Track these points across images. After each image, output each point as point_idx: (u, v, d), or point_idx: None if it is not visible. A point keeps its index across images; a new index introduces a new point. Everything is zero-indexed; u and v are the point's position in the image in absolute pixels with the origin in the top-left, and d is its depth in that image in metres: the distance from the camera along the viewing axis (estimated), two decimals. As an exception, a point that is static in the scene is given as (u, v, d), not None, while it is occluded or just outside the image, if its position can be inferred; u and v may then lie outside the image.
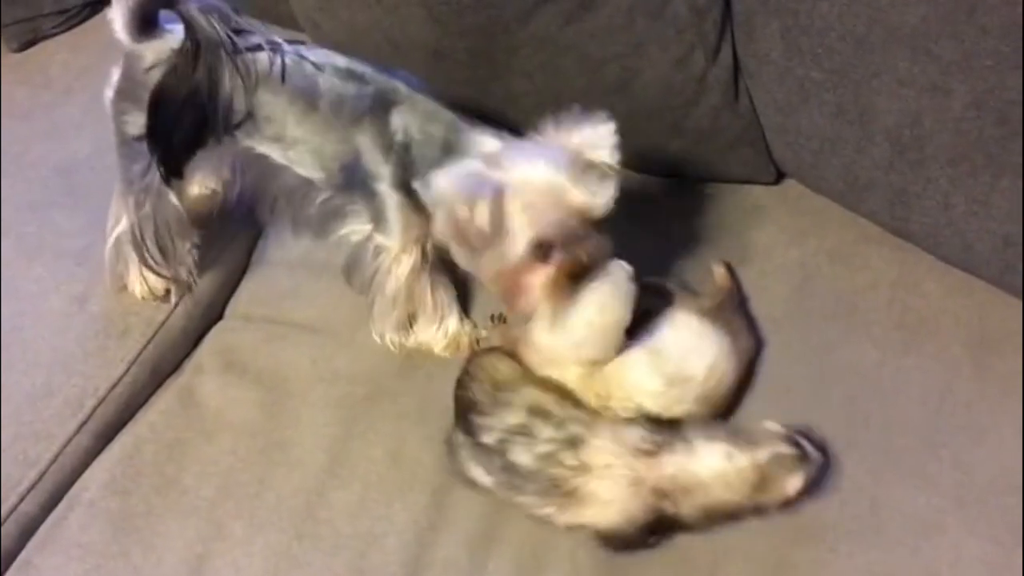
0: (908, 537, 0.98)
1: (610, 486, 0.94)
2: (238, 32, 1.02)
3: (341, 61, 1.06)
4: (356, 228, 1.09)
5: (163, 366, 1.16)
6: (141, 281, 1.17)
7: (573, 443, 0.95)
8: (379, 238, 1.08)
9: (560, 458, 0.95)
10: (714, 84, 1.16)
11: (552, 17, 1.14)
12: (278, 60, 1.03)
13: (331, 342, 1.15)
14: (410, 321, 1.12)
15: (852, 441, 1.03)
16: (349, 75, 1.05)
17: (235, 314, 1.23)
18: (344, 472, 1.03)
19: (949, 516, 0.98)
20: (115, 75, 1.08)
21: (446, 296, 1.13)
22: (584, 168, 0.96)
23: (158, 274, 1.16)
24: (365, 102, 1.04)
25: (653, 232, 1.20)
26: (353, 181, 1.06)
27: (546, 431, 0.96)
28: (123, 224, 1.14)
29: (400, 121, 1.03)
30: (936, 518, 0.98)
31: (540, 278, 0.97)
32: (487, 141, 1.02)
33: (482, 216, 0.93)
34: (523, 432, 0.96)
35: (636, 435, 0.96)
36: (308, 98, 1.04)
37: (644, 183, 1.25)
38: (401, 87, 1.05)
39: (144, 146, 1.05)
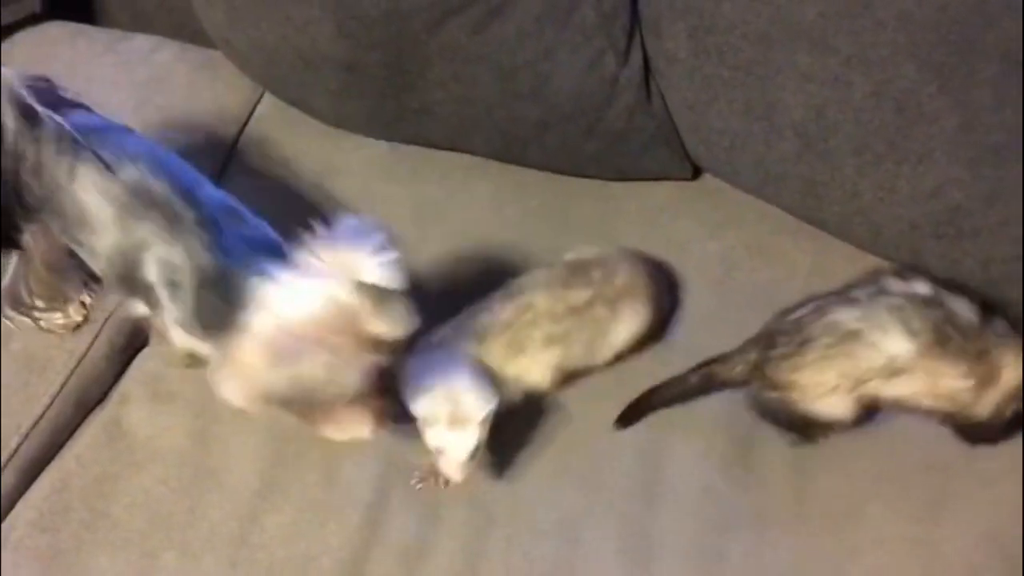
0: (831, 521, 1.00)
1: None
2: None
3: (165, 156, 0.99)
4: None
5: (88, 398, 1.14)
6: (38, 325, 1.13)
7: None
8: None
9: None
10: (626, 86, 1.18)
11: (461, 27, 1.14)
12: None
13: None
14: None
15: (777, 429, 1.06)
16: (162, 169, 0.96)
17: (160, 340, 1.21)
18: (276, 496, 1.02)
19: (870, 498, 1.01)
20: None
21: None
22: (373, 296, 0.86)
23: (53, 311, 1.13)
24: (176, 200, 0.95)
25: (572, 231, 1.22)
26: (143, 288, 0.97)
27: None
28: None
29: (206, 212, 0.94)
30: (858, 501, 1.01)
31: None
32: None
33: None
34: None
35: None
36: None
37: (561, 182, 1.27)
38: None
39: None
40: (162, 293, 0.95)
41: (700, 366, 1.07)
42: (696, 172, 1.27)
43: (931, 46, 1.00)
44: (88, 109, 1.02)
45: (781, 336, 1.04)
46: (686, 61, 1.14)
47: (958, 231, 1.07)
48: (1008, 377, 1.01)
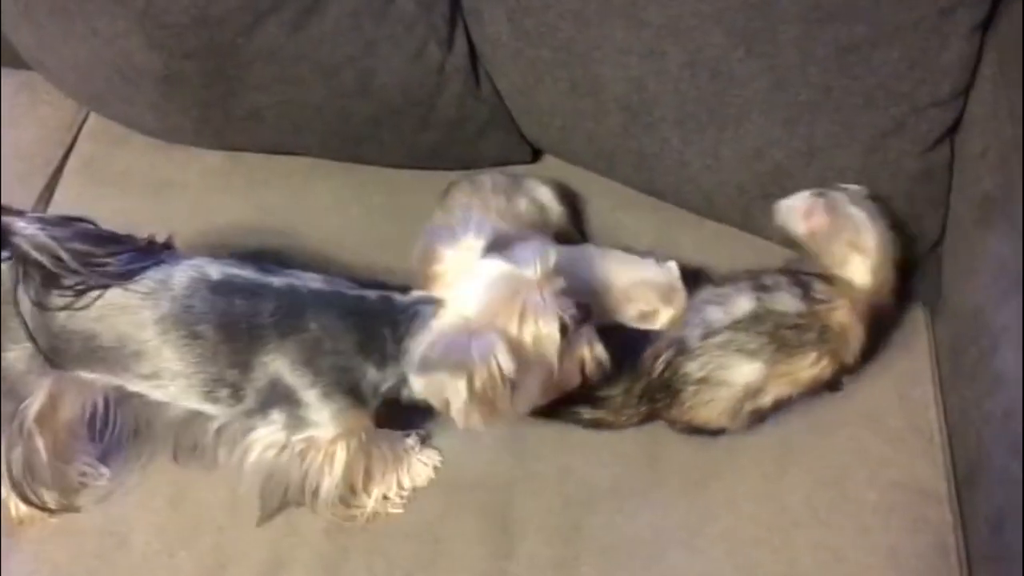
0: (686, 487, 1.02)
1: None
2: (88, 259, 0.89)
3: (214, 272, 0.93)
4: (269, 443, 0.95)
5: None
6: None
7: None
8: (300, 436, 0.95)
9: None
10: (453, 73, 1.17)
11: (277, 28, 1.11)
12: (135, 287, 0.90)
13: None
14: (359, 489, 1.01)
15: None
16: (229, 289, 0.92)
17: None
18: (122, 529, 0.99)
19: (721, 462, 1.03)
20: None
21: (391, 451, 1.02)
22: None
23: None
24: (264, 319, 0.91)
25: (417, 226, 1.19)
26: (269, 402, 0.93)
27: None
28: None
29: (318, 330, 0.91)
30: (711, 466, 1.03)
31: (585, 347, 0.95)
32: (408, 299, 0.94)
33: (507, 363, 0.87)
34: None
35: None
36: (185, 324, 0.91)
37: (403, 177, 1.25)
38: (297, 283, 0.93)
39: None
40: (311, 393, 0.92)
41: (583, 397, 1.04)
42: (536, 154, 1.28)
43: (734, 11, 1.02)
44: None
45: (656, 392, 1.03)
46: (509, 44, 1.14)
47: (782, 190, 1.09)
48: (848, 324, 1.03)
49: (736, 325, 1.00)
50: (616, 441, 1.05)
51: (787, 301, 1.01)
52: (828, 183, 1.07)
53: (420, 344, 0.91)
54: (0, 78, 1.34)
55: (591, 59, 1.10)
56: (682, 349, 1.01)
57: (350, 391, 0.93)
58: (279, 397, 0.93)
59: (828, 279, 1.03)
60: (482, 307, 0.91)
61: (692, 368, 1.01)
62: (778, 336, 1.00)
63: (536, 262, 0.92)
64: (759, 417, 1.03)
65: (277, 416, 0.94)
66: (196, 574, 0.98)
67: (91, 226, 0.92)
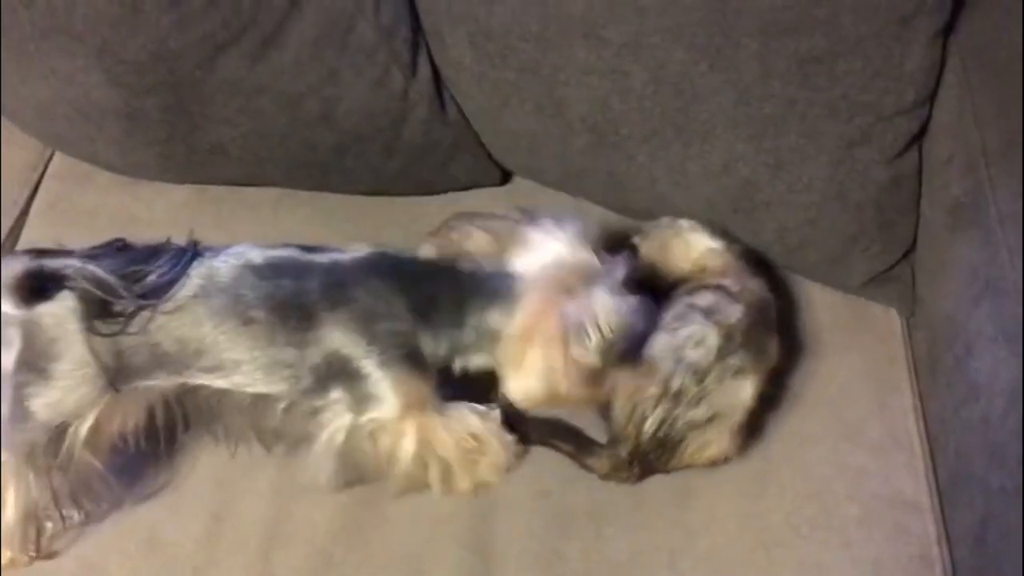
0: (665, 508, 1.01)
1: None
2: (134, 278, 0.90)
3: (256, 257, 0.94)
4: (338, 427, 0.96)
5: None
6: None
7: None
8: (367, 418, 0.95)
9: None
10: (417, 99, 1.16)
11: (237, 60, 1.10)
12: (184, 291, 0.91)
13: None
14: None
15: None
16: (274, 271, 0.93)
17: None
18: (95, 570, 0.97)
19: (700, 481, 1.02)
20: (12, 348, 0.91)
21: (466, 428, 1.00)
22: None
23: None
24: (312, 295, 0.93)
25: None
26: (328, 376, 0.94)
27: None
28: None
29: (367, 297, 0.93)
30: (689, 486, 1.02)
31: None
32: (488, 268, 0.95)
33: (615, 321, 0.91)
34: None
35: None
36: (237, 313, 0.92)
37: (373, 204, 1.24)
38: (341, 257, 0.95)
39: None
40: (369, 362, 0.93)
41: (574, 445, 1.03)
42: (506, 176, 1.27)
43: (695, 27, 1.01)
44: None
45: (650, 453, 0.99)
46: (472, 68, 1.13)
47: (752, 203, 1.09)
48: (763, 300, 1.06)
49: (719, 354, 0.99)
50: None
51: (730, 310, 1.01)
52: (797, 195, 1.07)
53: (508, 315, 0.93)
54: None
55: (555, 80, 1.09)
56: (676, 399, 0.98)
57: (407, 356, 0.93)
58: (337, 372, 0.93)
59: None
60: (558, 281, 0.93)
61: (698, 414, 0.98)
62: (747, 343, 1.00)
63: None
64: (751, 429, 1.02)
65: (338, 395, 0.94)
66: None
67: (124, 243, 0.94)
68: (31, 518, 0.95)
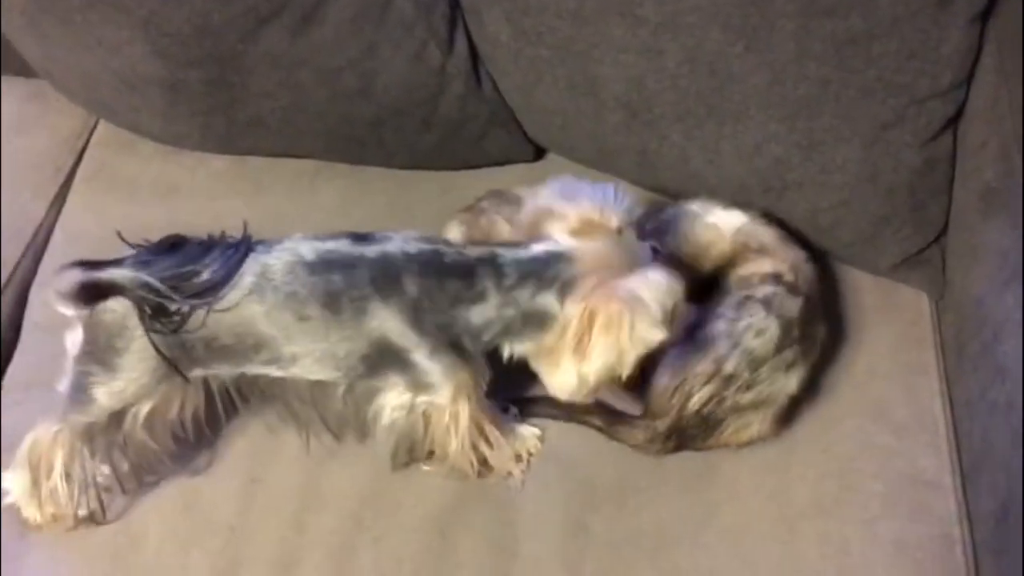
0: (689, 482, 1.02)
1: None
2: (187, 278, 0.91)
3: (307, 252, 0.95)
4: (397, 405, 0.99)
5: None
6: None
7: None
8: (423, 399, 0.98)
9: None
10: (454, 74, 1.18)
11: (278, 34, 1.13)
12: (238, 289, 0.92)
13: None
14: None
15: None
16: (325, 266, 0.94)
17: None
18: (135, 529, 1.01)
19: (725, 456, 1.03)
20: (75, 339, 0.95)
21: (503, 422, 1.05)
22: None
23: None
24: (363, 288, 0.94)
25: (422, 227, 1.21)
26: (381, 364, 0.97)
27: None
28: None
29: (416, 289, 0.94)
30: (713, 460, 1.03)
31: None
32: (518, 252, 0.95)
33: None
34: None
35: None
36: (291, 309, 0.94)
37: (407, 178, 1.26)
38: (390, 249, 0.95)
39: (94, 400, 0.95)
40: (420, 353, 0.95)
41: (604, 417, 1.05)
42: (539, 152, 1.28)
43: (732, 7, 1.02)
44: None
45: (690, 428, 1.01)
46: (508, 44, 1.14)
47: (784, 184, 1.09)
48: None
49: (778, 347, 1.00)
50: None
51: (789, 304, 1.02)
52: (830, 176, 1.07)
53: (560, 298, 0.92)
54: (8, 87, 1.36)
55: (590, 58, 1.10)
56: (727, 381, 0.99)
57: (453, 346, 0.96)
58: (390, 362, 0.96)
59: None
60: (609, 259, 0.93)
61: (745, 399, 1.00)
62: (803, 337, 1.01)
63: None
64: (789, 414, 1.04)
65: (397, 379, 0.97)
66: (209, 574, 0.99)
67: (177, 239, 0.95)
68: (80, 485, 0.98)
